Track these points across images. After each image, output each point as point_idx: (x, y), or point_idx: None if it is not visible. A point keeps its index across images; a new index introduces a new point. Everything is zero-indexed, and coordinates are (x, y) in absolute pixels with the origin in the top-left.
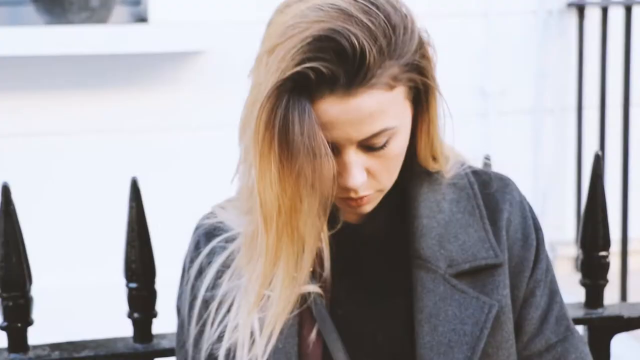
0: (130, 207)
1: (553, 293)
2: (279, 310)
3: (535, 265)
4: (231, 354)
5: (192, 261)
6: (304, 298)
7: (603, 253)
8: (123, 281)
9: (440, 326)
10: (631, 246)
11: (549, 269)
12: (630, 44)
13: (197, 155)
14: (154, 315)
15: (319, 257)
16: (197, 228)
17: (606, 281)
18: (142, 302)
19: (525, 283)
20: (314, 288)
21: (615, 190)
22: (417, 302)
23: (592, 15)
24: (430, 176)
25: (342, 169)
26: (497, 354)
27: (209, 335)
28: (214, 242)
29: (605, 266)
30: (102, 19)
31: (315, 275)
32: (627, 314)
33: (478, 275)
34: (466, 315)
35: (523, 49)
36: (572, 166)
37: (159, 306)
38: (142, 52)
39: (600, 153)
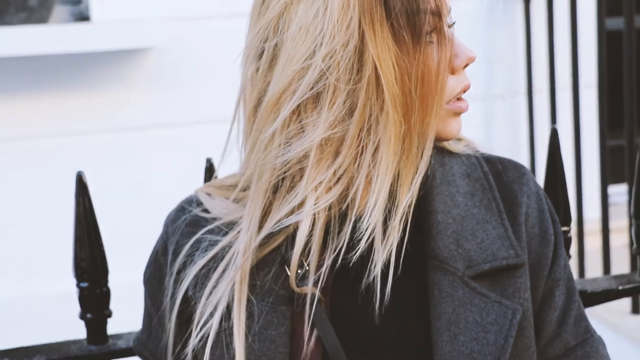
0: (77, 203)
1: (571, 292)
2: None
3: (554, 262)
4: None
5: (173, 256)
6: (299, 300)
7: (564, 228)
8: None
9: (460, 335)
10: (585, 228)
11: (566, 266)
12: (577, 26)
13: (146, 155)
14: (109, 315)
15: (316, 254)
16: (177, 217)
17: (569, 257)
18: (94, 301)
19: (543, 282)
20: (312, 289)
21: (568, 173)
22: (434, 308)
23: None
24: (443, 166)
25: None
26: None
27: (194, 333)
28: (199, 234)
29: (567, 242)
30: (41, 19)
31: (313, 275)
32: (591, 289)
33: (498, 277)
34: (488, 322)
35: (471, 36)
36: (525, 151)
37: (113, 305)
38: (86, 51)
39: (556, 128)
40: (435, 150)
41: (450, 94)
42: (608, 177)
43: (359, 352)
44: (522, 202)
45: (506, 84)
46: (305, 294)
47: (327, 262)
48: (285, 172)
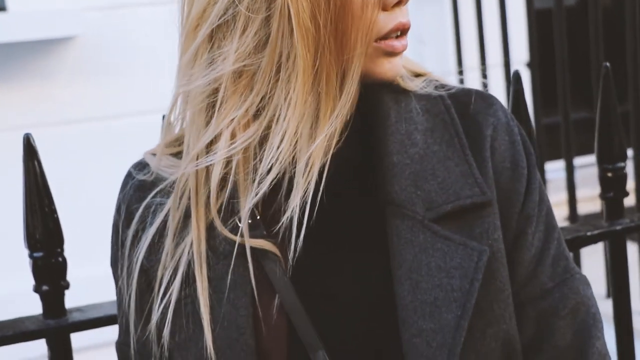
0: (27, 168)
1: (549, 229)
2: (316, 153)
3: (527, 198)
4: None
5: (126, 223)
6: (255, 258)
7: None
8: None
9: (422, 282)
10: None
11: (543, 201)
12: (505, 4)
13: (71, 151)
14: (66, 286)
15: (271, 207)
16: (125, 184)
17: None
18: (49, 272)
19: (515, 221)
20: (268, 245)
21: None
22: (394, 257)
23: None
24: (398, 103)
25: None
26: (491, 308)
27: (155, 306)
28: (149, 198)
29: None
30: None
31: (269, 231)
32: None
33: (463, 217)
34: (452, 267)
35: None
36: None
37: (70, 277)
38: (4, 42)
39: (518, 71)
40: (388, 89)
41: (378, 32)
42: (544, 153)
43: (322, 310)
44: (486, 135)
45: (437, 64)
46: (262, 251)
47: (250, 205)
48: (199, 105)
